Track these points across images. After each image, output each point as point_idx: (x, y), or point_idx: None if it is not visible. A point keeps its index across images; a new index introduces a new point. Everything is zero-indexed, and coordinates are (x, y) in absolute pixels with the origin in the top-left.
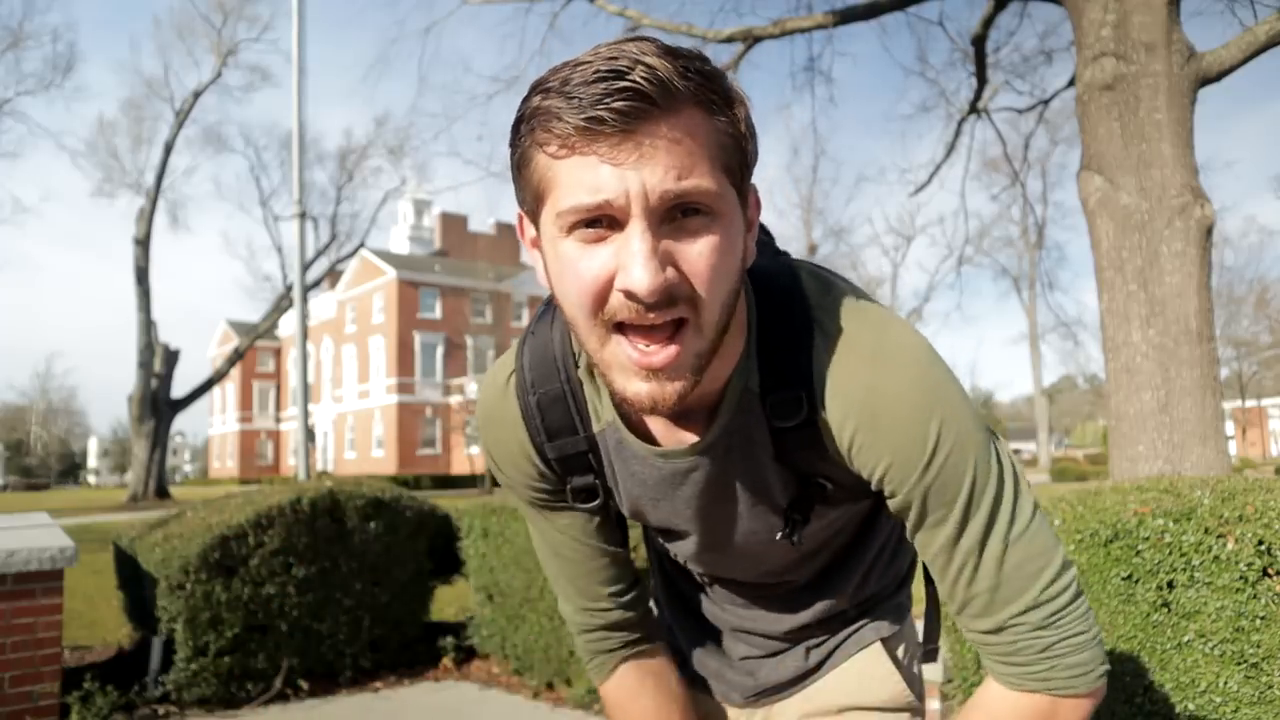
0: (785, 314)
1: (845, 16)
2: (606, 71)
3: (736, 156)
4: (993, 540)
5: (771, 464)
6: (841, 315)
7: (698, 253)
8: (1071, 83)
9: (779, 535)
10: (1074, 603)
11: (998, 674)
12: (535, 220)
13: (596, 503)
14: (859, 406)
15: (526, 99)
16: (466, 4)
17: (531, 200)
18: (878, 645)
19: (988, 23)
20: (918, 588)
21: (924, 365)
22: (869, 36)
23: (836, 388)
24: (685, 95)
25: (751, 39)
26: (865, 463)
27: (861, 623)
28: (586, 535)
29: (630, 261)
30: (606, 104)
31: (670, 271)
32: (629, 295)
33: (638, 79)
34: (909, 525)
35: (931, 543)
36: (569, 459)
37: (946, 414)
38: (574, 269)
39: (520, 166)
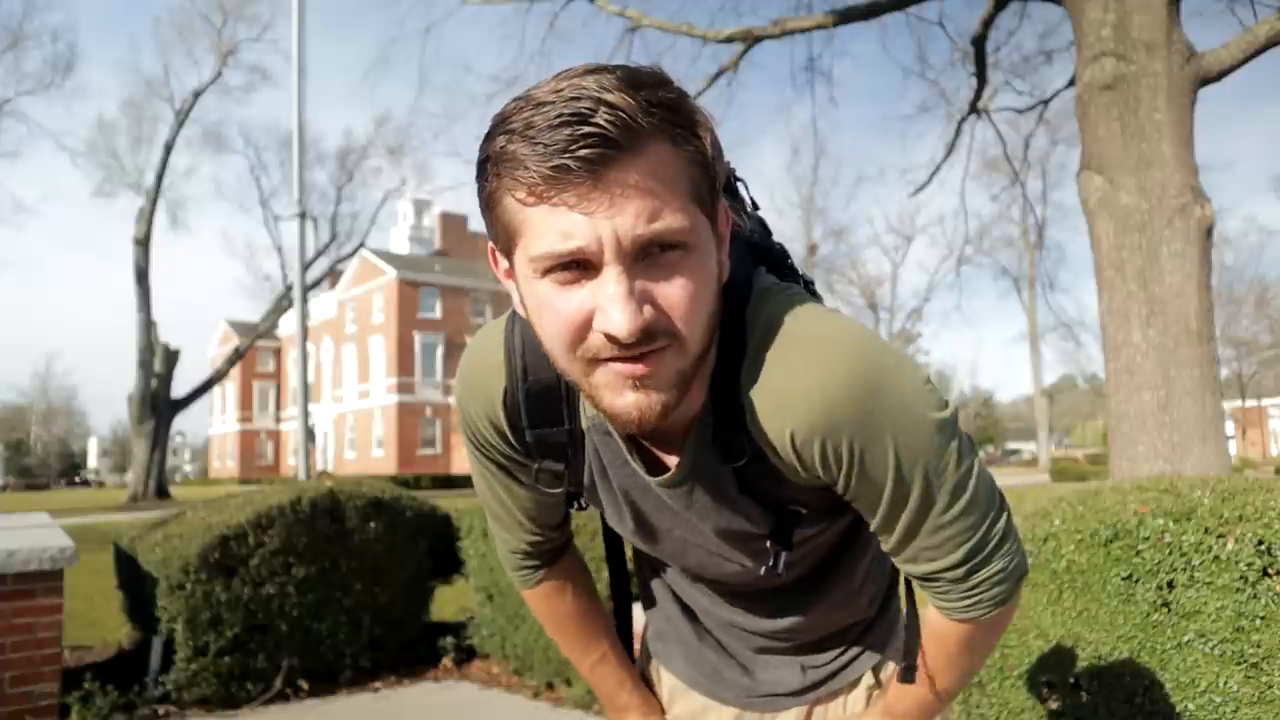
0: (733, 344)
1: (845, 16)
2: (570, 115)
3: (705, 183)
4: (930, 518)
5: (740, 497)
6: (770, 338)
7: (674, 289)
8: (1071, 83)
9: (763, 570)
10: (999, 547)
11: (934, 604)
12: (508, 256)
13: (559, 490)
14: (800, 435)
15: (490, 137)
16: (466, 4)
17: (504, 240)
18: (868, 676)
19: (988, 23)
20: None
21: (850, 375)
22: (869, 36)
23: (771, 422)
24: (650, 131)
25: (751, 39)
26: (824, 478)
27: (855, 651)
28: (544, 492)
29: (609, 305)
30: (572, 152)
31: (648, 310)
32: (609, 338)
33: (601, 122)
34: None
35: (874, 521)
36: (546, 445)
37: (885, 421)
38: (552, 309)
39: (489, 206)
